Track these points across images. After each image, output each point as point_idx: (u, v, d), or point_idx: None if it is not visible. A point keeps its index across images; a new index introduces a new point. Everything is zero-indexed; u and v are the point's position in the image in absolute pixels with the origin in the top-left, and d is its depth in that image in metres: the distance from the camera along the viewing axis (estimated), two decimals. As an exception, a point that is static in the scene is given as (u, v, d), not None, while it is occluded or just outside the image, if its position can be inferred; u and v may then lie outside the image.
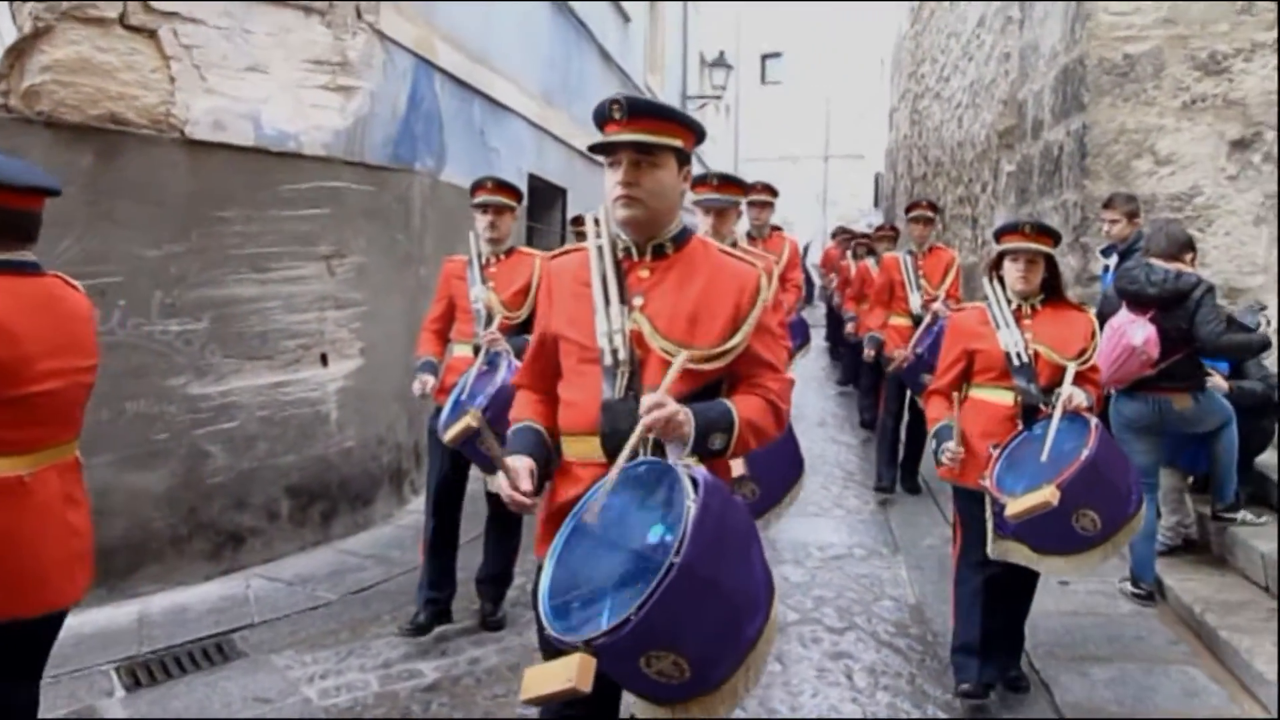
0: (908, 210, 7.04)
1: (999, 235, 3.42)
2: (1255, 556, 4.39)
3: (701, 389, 2.05)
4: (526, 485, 1.98)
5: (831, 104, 29.46)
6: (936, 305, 6.16)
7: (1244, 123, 5.86)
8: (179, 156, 4.53)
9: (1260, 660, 3.59)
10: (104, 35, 4.23)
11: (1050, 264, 3.36)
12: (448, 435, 3.68)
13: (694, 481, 1.74)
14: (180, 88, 4.51)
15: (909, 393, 6.52)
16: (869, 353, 6.78)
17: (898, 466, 6.78)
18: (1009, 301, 3.38)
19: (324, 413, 5.29)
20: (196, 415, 4.62)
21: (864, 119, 26.71)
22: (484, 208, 4.12)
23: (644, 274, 2.10)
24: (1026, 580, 3.43)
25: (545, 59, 9.18)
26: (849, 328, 8.97)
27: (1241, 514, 4.67)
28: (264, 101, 4.89)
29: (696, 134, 2.14)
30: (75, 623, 4.06)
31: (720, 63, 17.85)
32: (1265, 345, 4.40)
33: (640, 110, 2.03)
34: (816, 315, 16.21)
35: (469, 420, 3.69)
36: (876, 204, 24.04)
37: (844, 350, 11.57)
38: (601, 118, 2.07)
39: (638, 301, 2.07)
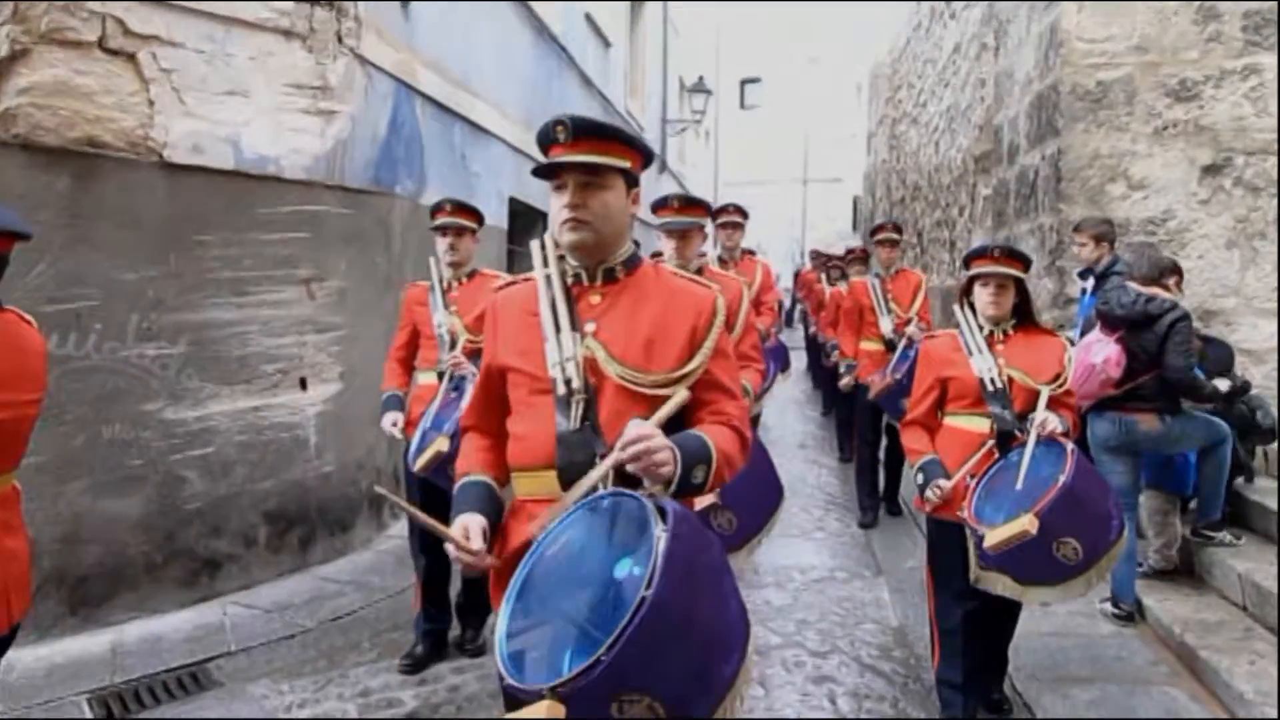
0: (872, 233, 6.92)
1: (969, 260, 3.39)
2: (1233, 576, 4.42)
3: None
4: (477, 543, 1.88)
5: (810, 128, 29.82)
6: (910, 329, 6.12)
7: (1214, 148, 5.96)
8: (157, 180, 4.50)
9: (1239, 679, 3.61)
10: (82, 58, 4.21)
11: (1021, 288, 3.32)
12: (418, 464, 3.65)
13: (662, 511, 1.63)
14: (159, 111, 4.49)
15: (884, 418, 6.42)
16: (846, 381, 6.65)
17: (880, 496, 6.68)
18: (980, 327, 3.34)
19: (303, 437, 5.25)
20: (173, 440, 4.57)
21: (842, 143, 26.99)
22: (443, 230, 4.07)
23: (595, 299, 2.04)
24: (1010, 606, 3.37)
25: (526, 83, 9.22)
26: (834, 357, 8.70)
27: (1222, 534, 4.71)
28: (244, 125, 4.88)
29: (644, 155, 2.09)
30: (47, 652, 4.00)
31: (700, 88, 17.98)
32: (1214, 398, 4.44)
33: (585, 131, 1.97)
34: (795, 338, 16.30)
35: (438, 446, 3.68)
36: (855, 227, 24.24)
37: (822, 378, 11.32)
38: (546, 140, 2.01)
39: (590, 328, 2.00)
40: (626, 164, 2.01)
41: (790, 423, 10.78)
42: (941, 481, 3.19)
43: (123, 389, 4.38)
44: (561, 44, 10.40)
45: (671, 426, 1.93)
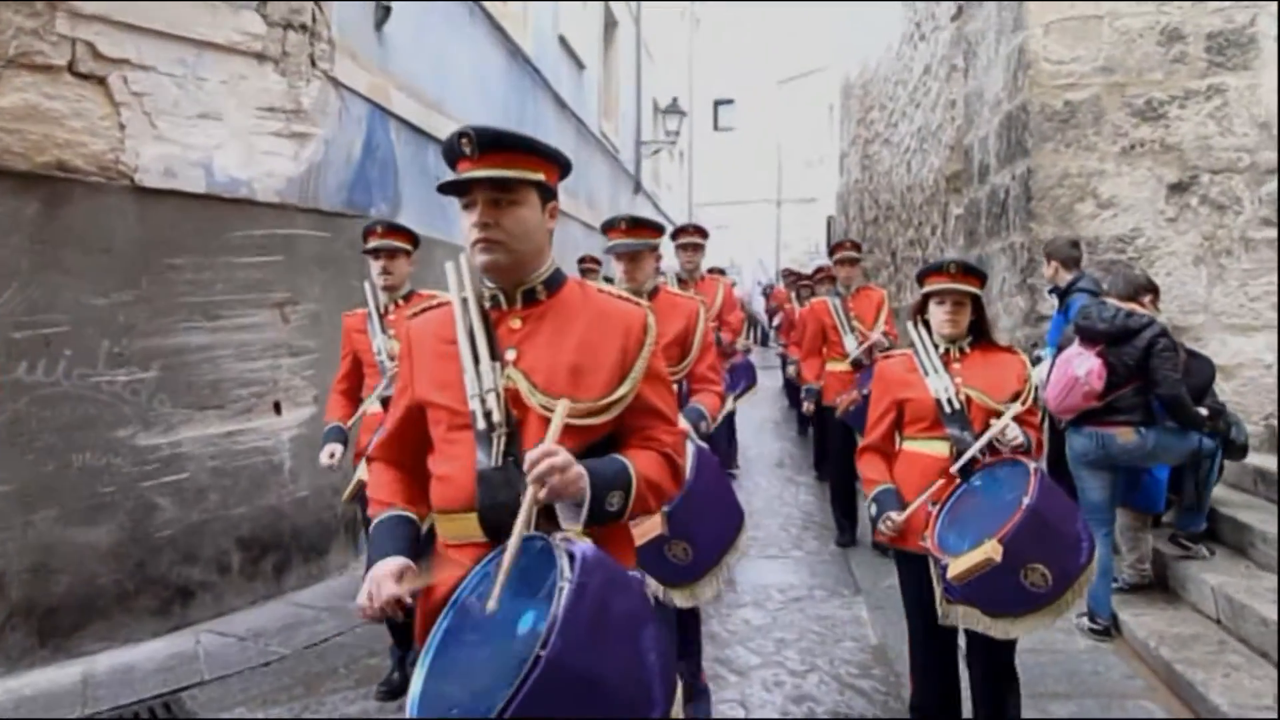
0: (831, 252, 6.78)
1: (923, 277, 3.24)
2: (1206, 590, 4.46)
3: (588, 448, 1.81)
4: (390, 590, 1.74)
5: (783, 149, 30.05)
6: (875, 336, 6.07)
7: (1180, 167, 6.07)
8: (128, 204, 4.47)
9: (1214, 692, 3.64)
10: (52, 82, 4.18)
11: (977, 305, 3.19)
12: (345, 494, 3.57)
13: (571, 557, 1.50)
14: (130, 135, 4.47)
15: (857, 438, 6.38)
16: (808, 406, 6.58)
17: (856, 518, 6.46)
18: (936, 346, 3.21)
19: (277, 462, 5.19)
20: (145, 467, 4.51)
21: (815, 164, 27.23)
22: (375, 253, 3.99)
23: (515, 324, 1.89)
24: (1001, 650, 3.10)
25: (500, 106, 9.24)
26: (790, 370, 8.83)
27: (1199, 547, 4.77)
28: (216, 148, 4.85)
29: (560, 166, 1.95)
30: (16, 685, 3.92)
31: (674, 109, 18.13)
32: (1197, 423, 4.49)
33: (493, 143, 1.82)
34: (769, 356, 16.36)
35: (360, 475, 3.56)
36: (829, 246, 24.41)
37: (796, 397, 11.19)
38: (452, 155, 1.86)
39: (510, 355, 1.85)
40: (540, 176, 1.87)
41: (767, 441, 10.79)
42: (894, 514, 3.04)
43: (93, 415, 4.32)
44: (535, 66, 10.44)
45: (594, 455, 1.81)
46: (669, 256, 6.23)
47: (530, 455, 1.63)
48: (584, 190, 12.81)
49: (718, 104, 31.38)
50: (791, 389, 12.23)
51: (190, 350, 4.74)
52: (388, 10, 6.36)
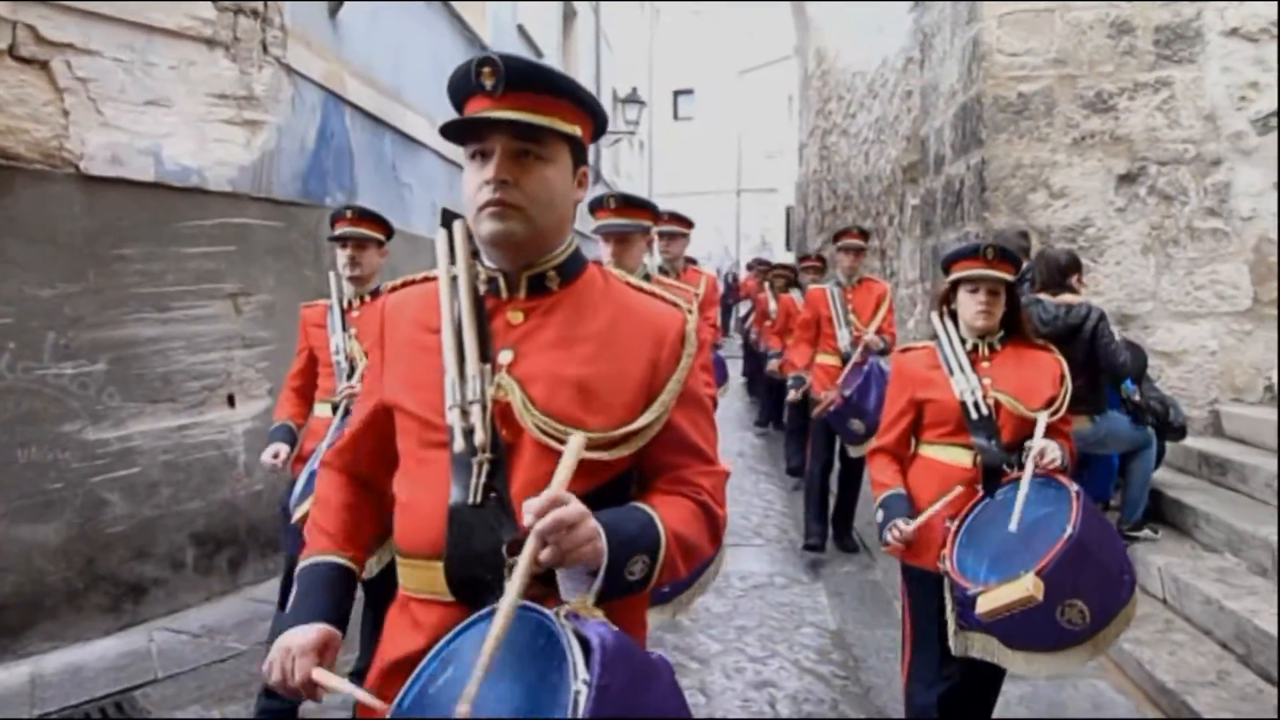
0: (836, 238, 6.29)
1: (951, 262, 2.89)
2: (1153, 570, 4.57)
3: (597, 492, 1.38)
4: (306, 669, 1.39)
5: (743, 139, 30.14)
6: (867, 337, 5.73)
7: (1129, 158, 6.19)
8: (74, 192, 4.36)
9: (1161, 670, 3.73)
10: (-8, 67, 4.07)
11: (1011, 295, 2.85)
12: (295, 515, 3.13)
13: (586, 647, 1.13)
14: (75, 121, 4.35)
15: (839, 439, 5.95)
16: (794, 394, 6.24)
17: (828, 522, 6.09)
18: (963, 341, 2.86)
19: (231, 455, 5.11)
20: (94, 462, 4.42)
21: (775, 154, 27.36)
22: (343, 241, 3.63)
23: (516, 318, 1.47)
24: (992, 675, 2.80)
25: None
26: (772, 365, 8.25)
27: (1144, 531, 4.88)
28: (165, 136, 4.75)
29: (597, 121, 1.52)
30: (-41, 686, 3.82)
31: (633, 99, 18.09)
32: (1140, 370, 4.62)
33: (524, 78, 1.39)
34: (732, 347, 16.42)
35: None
36: (789, 237, 24.56)
37: (761, 389, 11.01)
38: (462, 89, 1.44)
39: (505, 358, 1.43)
40: (576, 130, 1.45)
41: (729, 431, 10.85)
42: (901, 523, 2.70)
43: (39, 410, 4.22)
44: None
45: (608, 498, 1.40)
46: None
47: (532, 504, 1.22)
48: (543, 180, 12.73)
49: (677, 94, 31.39)
50: (754, 380, 12.06)
51: (140, 342, 4.65)
52: (342, -4, 6.27)
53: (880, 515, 2.83)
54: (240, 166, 5.18)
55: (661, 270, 5.57)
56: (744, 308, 12.64)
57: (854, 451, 5.73)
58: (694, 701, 3.84)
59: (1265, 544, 4.27)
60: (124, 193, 4.56)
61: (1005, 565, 2.44)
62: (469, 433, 1.38)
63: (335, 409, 3.44)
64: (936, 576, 2.67)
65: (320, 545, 1.56)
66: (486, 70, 1.39)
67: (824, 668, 4.19)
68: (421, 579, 1.42)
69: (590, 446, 1.33)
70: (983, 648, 2.59)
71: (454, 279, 1.48)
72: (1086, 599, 2.42)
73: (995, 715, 3.55)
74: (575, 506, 1.24)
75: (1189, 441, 5.36)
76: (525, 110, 1.38)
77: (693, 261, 6.36)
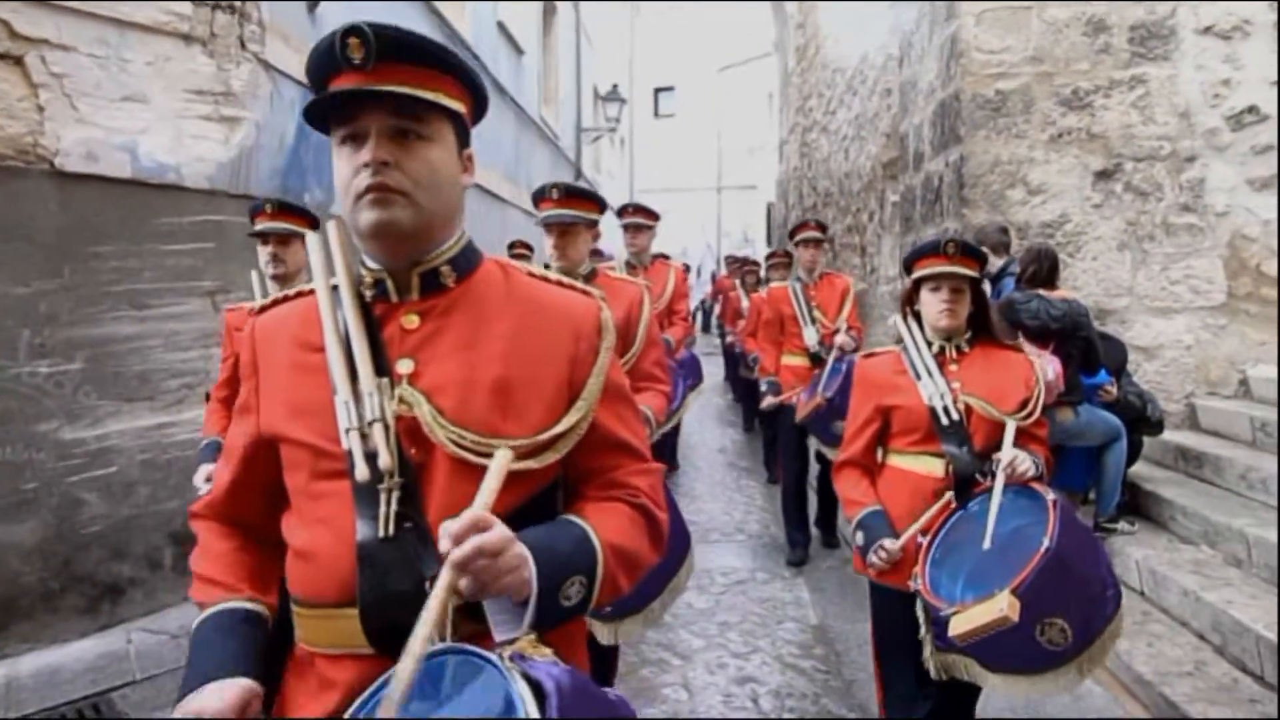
0: (792, 234, 6.17)
1: (913, 260, 2.74)
2: (1130, 563, 4.62)
3: (524, 507, 1.27)
4: None
5: (723, 136, 30.18)
6: (840, 338, 5.49)
7: (1106, 155, 6.24)
8: (49, 189, 4.31)
9: (1138, 661, 3.78)
10: (-36, 62, 4.01)
11: (977, 292, 2.71)
12: None
13: (540, 693, 1.01)
14: (50, 117, 4.30)
15: (813, 442, 5.66)
16: (769, 401, 5.82)
17: (809, 530, 5.90)
18: (929, 343, 2.73)
19: (210, 454, 5.08)
20: (70, 461, 4.37)
21: (755, 151, 27.42)
22: (264, 237, 3.35)
23: (411, 322, 1.30)
24: (974, 688, 2.60)
25: (438, 91, 9.12)
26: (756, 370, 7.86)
27: (1120, 524, 4.93)
28: (142, 132, 4.71)
29: (479, 99, 1.37)
30: (-66, 689, 3.78)
31: (614, 96, 18.07)
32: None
33: (396, 48, 1.24)
34: (711, 344, 16.45)
35: None
36: (770, 233, 24.62)
37: (742, 389, 10.56)
38: (327, 65, 1.27)
39: (405, 368, 1.28)
40: (460, 107, 1.31)
41: (710, 428, 10.87)
42: (888, 543, 2.55)
43: (14, 409, 4.17)
44: (473, 51, 10.31)
45: (535, 512, 1.28)
46: (617, 241, 6.07)
47: (448, 527, 1.09)
48: (524, 177, 12.71)
49: (658, 91, 31.40)
50: (737, 379, 11.67)
51: (117, 340, 4.60)
52: (320, -8, 6.23)
53: (859, 536, 2.65)
54: (218, 163, 5.13)
55: (628, 264, 5.48)
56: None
57: (834, 455, 5.28)
58: (677, 698, 3.85)
59: (1240, 535, 4.32)
60: (100, 189, 4.51)
61: (980, 583, 2.30)
62: (371, 457, 1.21)
63: None
64: (908, 595, 2.52)
65: (213, 596, 1.33)
66: (354, 42, 1.23)
67: (806, 662, 4.21)
68: (328, 631, 1.24)
69: (515, 456, 1.23)
70: (963, 670, 2.45)
71: (335, 287, 1.33)
72: (1068, 617, 2.27)
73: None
74: (497, 532, 1.11)
75: (1166, 435, 5.41)
76: (405, 83, 1.24)
77: (664, 256, 6.27)
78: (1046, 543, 2.25)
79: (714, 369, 14.35)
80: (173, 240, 4.87)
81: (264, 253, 3.38)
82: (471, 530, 1.09)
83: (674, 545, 2.73)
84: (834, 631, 4.54)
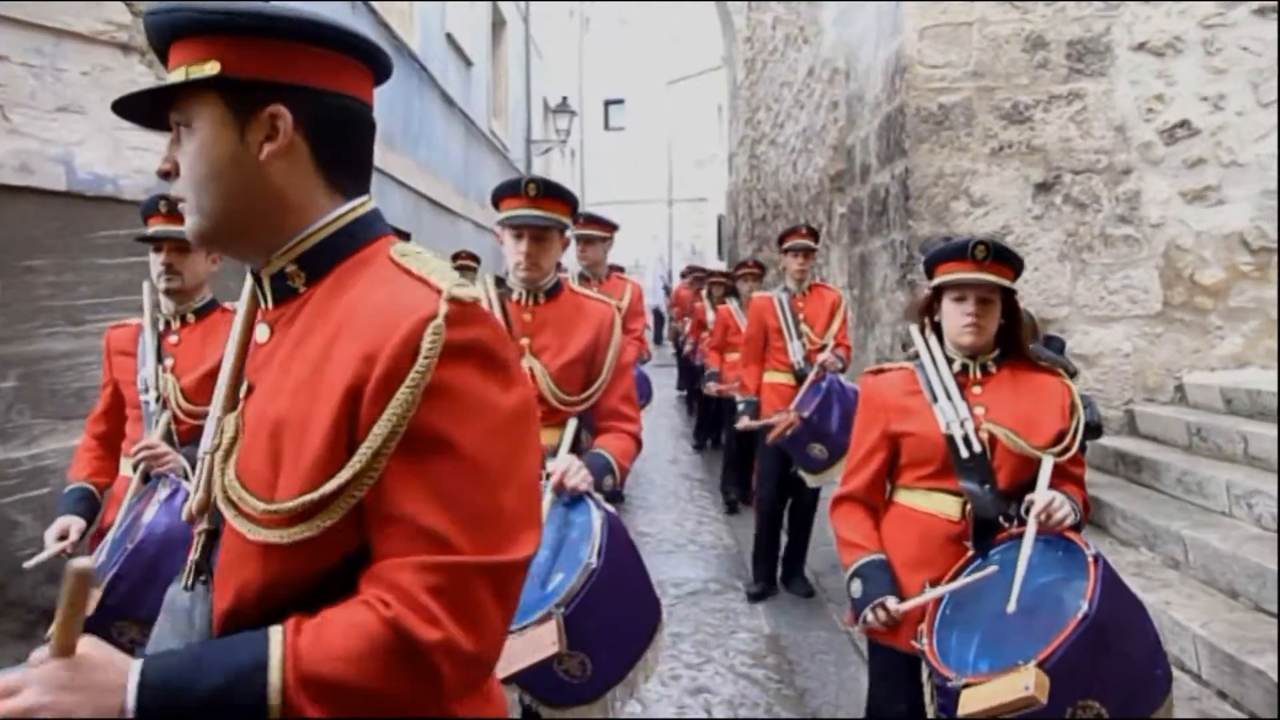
0: (781, 240, 5.63)
1: (935, 263, 2.37)
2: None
3: (301, 583, 1.01)
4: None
5: (673, 149, 30.36)
6: (824, 356, 5.07)
7: (1045, 167, 6.39)
8: (-20, 202, 4.19)
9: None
10: (-110, 71, 3.89)
11: (1009, 305, 2.34)
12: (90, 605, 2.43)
13: None
14: (-19, 129, 4.19)
15: (791, 468, 5.13)
16: (746, 423, 5.34)
17: (778, 564, 5.37)
18: (950, 360, 2.36)
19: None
20: (3, 482, 4.24)
21: (705, 163, 27.62)
22: (156, 244, 2.76)
23: (261, 334, 1.13)
24: None
25: (385, 102, 9.04)
26: (710, 387, 7.35)
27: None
28: (78, 144, 4.60)
29: (244, 32, 1.03)
30: None
31: (564, 108, 18.09)
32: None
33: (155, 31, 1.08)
34: (664, 356, 16.49)
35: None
36: (720, 245, 24.80)
37: (698, 406, 10.11)
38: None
39: (243, 394, 1.12)
40: (208, 68, 1.04)
41: (663, 439, 10.88)
42: (890, 603, 2.17)
43: (-57, 428, 4.04)
44: (422, 64, 10.27)
45: (323, 593, 0.99)
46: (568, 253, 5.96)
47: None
48: (474, 189, 12.66)
49: (608, 103, 31.50)
50: (691, 395, 11.22)
51: (53, 357, 4.48)
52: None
53: (856, 588, 2.26)
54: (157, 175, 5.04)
55: (582, 277, 5.22)
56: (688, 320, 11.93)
57: (812, 481, 5.01)
58: (629, 710, 3.84)
59: (1177, 538, 4.44)
60: (34, 202, 4.40)
61: (999, 650, 1.95)
62: (204, 510, 1.10)
63: (136, 469, 2.58)
64: (910, 658, 2.15)
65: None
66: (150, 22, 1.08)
67: (758, 671, 4.22)
68: None
69: (264, 522, 0.99)
70: None
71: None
72: (1106, 700, 1.88)
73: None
74: (21, 699, 0.91)
75: (1106, 440, 5.54)
76: (170, 74, 1.06)
77: (619, 270, 6.07)
78: (1085, 608, 1.88)
79: (669, 381, 14.39)
80: (110, 254, 4.76)
81: (156, 262, 2.76)
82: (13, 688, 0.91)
83: (644, 616, 2.35)
84: (786, 640, 4.56)
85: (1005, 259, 2.29)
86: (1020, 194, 6.42)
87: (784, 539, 5.41)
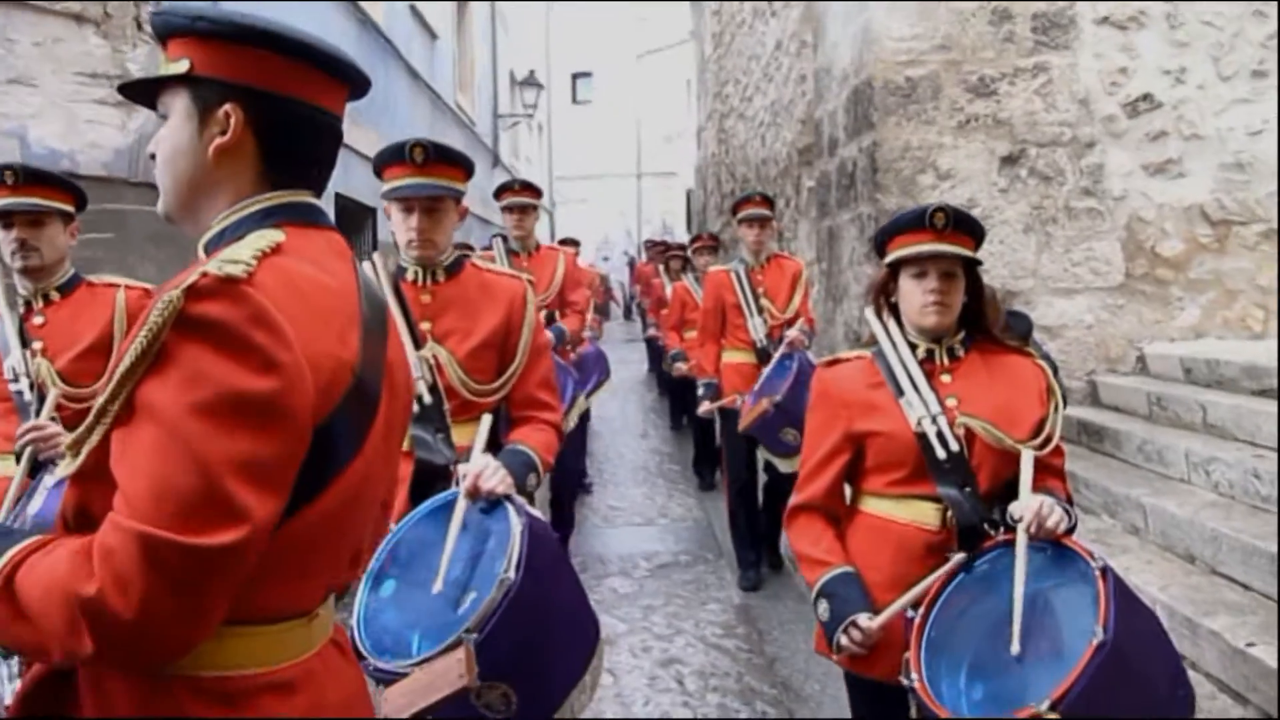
0: (735, 210, 5.43)
1: (888, 236, 2.10)
2: (1038, 535, 4.79)
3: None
4: None
5: (642, 123, 30.20)
6: (791, 332, 4.80)
7: (1011, 140, 6.43)
8: (-70, 177, 4.08)
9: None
10: None
11: (973, 279, 2.09)
12: None
13: None
14: (-71, 101, 4.08)
15: (758, 452, 4.96)
16: (707, 407, 5.12)
17: (761, 547, 5.15)
18: (913, 346, 2.09)
19: (114, 452, 4.89)
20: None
21: (674, 138, 27.51)
22: (6, 220, 2.52)
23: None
24: None
25: (349, 75, 8.92)
26: (680, 367, 6.85)
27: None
28: (31, 117, 4.50)
29: (213, 39, 1.20)
30: None
31: (531, 81, 17.91)
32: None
33: (165, 30, 1.22)
34: (634, 330, 16.47)
35: None
36: (689, 220, 24.80)
37: (667, 384, 9.71)
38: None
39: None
40: (179, 65, 1.21)
41: (632, 415, 10.91)
42: (863, 620, 1.91)
43: (-102, 409, 3.95)
44: (386, 36, 10.11)
45: None
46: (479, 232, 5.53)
47: None
48: (440, 164, 12.50)
49: (576, 77, 31.24)
50: (659, 373, 10.79)
51: (10, 336, 4.40)
52: (221, -28, 6.02)
53: (824, 609, 1.99)
54: (115, 150, 4.93)
55: (511, 251, 4.96)
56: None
57: (784, 466, 4.63)
58: (602, 682, 3.87)
59: (1137, 505, 4.53)
60: (-13, 177, 4.29)
61: (994, 678, 1.70)
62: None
63: (20, 459, 2.34)
64: (897, 691, 1.84)
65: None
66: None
67: (729, 642, 4.27)
68: None
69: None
70: None
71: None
72: None
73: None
74: None
75: (1069, 411, 5.62)
76: (163, 68, 1.22)
77: (574, 242, 5.78)
78: (1100, 634, 1.60)
79: (637, 356, 14.41)
80: (68, 230, 4.66)
81: (6, 240, 2.53)
82: None
83: (577, 639, 2.01)
84: (756, 610, 4.62)
85: (966, 227, 2.05)
86: (986, 167, 6.46)
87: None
